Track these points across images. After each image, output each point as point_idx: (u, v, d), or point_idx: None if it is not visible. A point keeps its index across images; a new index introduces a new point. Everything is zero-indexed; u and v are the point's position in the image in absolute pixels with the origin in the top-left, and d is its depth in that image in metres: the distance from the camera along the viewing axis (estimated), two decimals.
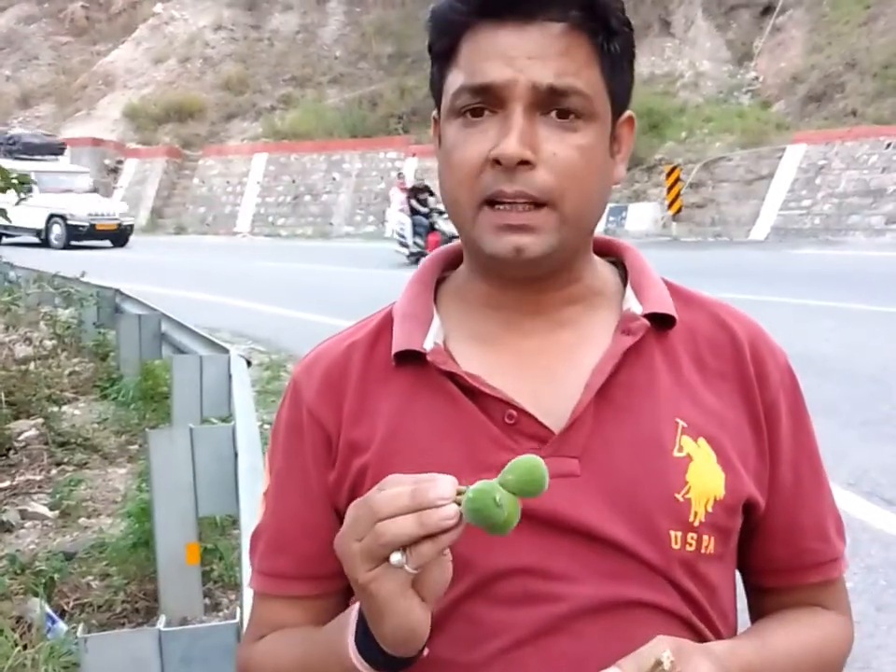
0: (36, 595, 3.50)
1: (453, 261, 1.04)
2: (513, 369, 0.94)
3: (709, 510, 0.90)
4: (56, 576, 3.73)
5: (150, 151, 29.86)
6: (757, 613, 1.03)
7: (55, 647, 3.04)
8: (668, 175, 19.41)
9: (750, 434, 0.95)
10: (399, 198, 18.32)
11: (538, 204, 0.88)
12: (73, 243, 22.26)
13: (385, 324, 0.99)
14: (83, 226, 22.65)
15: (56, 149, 25.43)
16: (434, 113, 0.97)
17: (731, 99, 23.03)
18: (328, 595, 0.98)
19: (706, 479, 0.91)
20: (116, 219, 23.18)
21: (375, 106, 28.22)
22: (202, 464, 3.37)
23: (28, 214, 21.92)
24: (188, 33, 33.60)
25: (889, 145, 17.98)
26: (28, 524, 4.54)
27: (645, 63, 24.29)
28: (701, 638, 0.91)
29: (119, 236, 23.07)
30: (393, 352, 0.96)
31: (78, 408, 6.71)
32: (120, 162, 30.17)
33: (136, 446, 5.74)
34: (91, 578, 3.85)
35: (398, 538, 0.73)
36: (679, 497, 0.90)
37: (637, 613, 0.89)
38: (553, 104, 0.87)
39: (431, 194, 16.68)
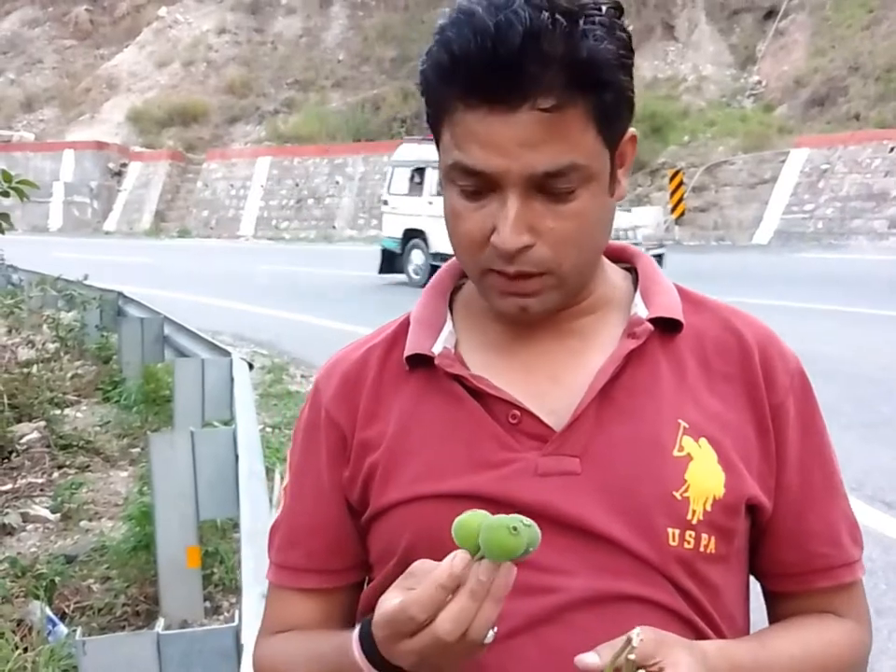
0: (37, 598, 3.50)
1: None
2: (520, 372, 0.97)
3: (708, 508, 0.91)
4: (57, 579, 3.73)
5: (154, 155, 29.91)
6: (774, 619, 1.03)
7: (55, 650, 3.04)
8: (671, 178, 19.40)
9: (755, 437, 0.96)
10: None
11: (538, 273, 0.91)
12: None
13: (402, 329, 1.03)
14: None
15: None
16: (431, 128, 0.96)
17: (734, 103, 23.04)
18: (339, 589, 1.03)
19: (705, 478, 0.92)
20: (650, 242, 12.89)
21: (378, 110, 28.27)
22: (203, 467, 3.38)
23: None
24: (191, 36, 33.68)
25: (892, 148, 17.98)
26: (29, 527, 4.55)
27: (648, 67, 24.30)
28: (702, 637, 0.91)
29: None
30: (404, 355, 1.00)
31: (80, 411, 6.72)
32: (124, 166, 30.23)
33: (138, 449, 5.74)
34: (91, 581, 3.86)
35: (486, 628, 0.77)
36: (677, 495, 0.91)
37: (633, 607, 0.90)
38: (549, 184, 0.88)
39: None
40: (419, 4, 31.12)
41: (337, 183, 26.42)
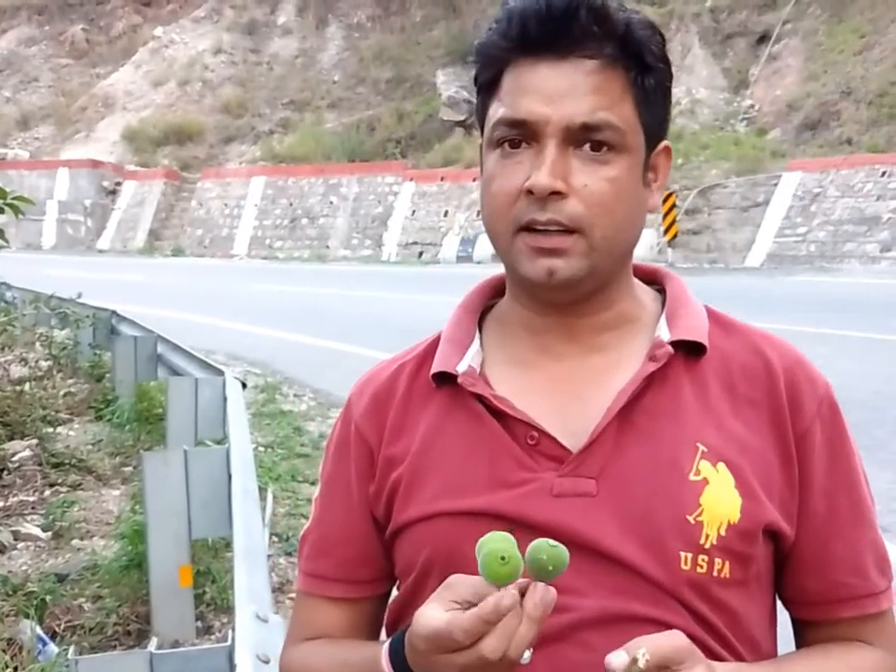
0: (28, 616, 3.48)
1: (500, 290, 1.08)
2: (542, 391, 0.99)
3: (722, 533, 0.92)
4: (48, 597, 3.71)
5: (149, 174, 29.97)
6: (801, 647, 1.02)
7: (46, 669, 3.02)
8: (664, 201, 19.50)
9: (778, 463, 0.96)
10: None
11: (569, 231, 0.92)
12: None
13: (433, 347, 1.06)
14: None
15: None
16: (480, 141, 1.01)
17: (727, 126, 23.20)
18: (366, 599, 1.06)
19: (721, 503, 0.92)
20: None
21: (373, 131, 28.39)
22: (196, 486, 3.37)
23: None
24: (187, 56, 33.84)
25: (884, 173, 18.11)
26: (21, 545, 4.53)
27: None
28: (717, 660, 0.91)
29: None
30: (430, 373, 1.02)
31: (73, 429, 6.70)
32: (119, 184, 30.27)
33: (130, 468, 5.73)
34: (83, 600, 3.84)
35: (523, 647, 0.79)
36: (690, 519, 0.92)
37: (645, 629, 0.90)
38: (585, 138, 0.92)
39: None
40: (415, 26, 31.36)
41: (331, 203, 26.50)
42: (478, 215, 23.23)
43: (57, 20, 36.88)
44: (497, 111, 0.95)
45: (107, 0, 36.79)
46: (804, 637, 1.02)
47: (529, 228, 0.93)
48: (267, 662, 1.67)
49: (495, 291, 1.08)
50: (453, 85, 26.36)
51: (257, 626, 1.86)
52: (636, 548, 0.91)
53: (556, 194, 0.91)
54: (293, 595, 4.10)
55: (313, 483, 5.56)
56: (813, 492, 0.97)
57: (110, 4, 36.75)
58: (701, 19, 25.11)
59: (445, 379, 1.01)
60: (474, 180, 23.82)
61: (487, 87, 0.97)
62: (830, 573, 0.98)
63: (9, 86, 35.57)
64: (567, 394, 0.98)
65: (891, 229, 17.50)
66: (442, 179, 24.47)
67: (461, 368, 1.00)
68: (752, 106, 23.59)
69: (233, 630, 1.95)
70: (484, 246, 22.09)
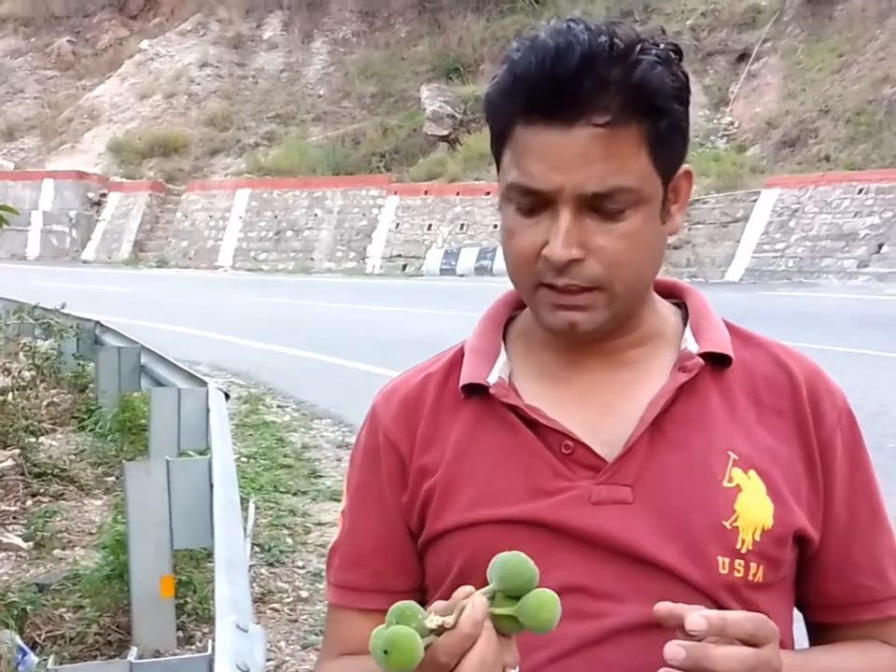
0: (8, 626, 3.47)
1: (523, 302, 1.08)
2: (573, 403, 1.00)
3: (757, 538, 0.94)
4: (29, 607, 3.70)
5: (134, 185, 29.88)
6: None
7: None
8: None
9: (804, 470, 0.99)
10: None
11: (589, 289, 0.94)
12: None
13: (458, 358, 1.06)
14: None
15: None
16: (497, 178, 1.01)
17: (707, 143, 23.38)
18: None
19: (754, 509, 0.95)
20: None
21: (358, 145, 28.44)
22: (178, 496, 3.39)
23: None
24: (173, 69, 33.80)
25: (861, 190, 18.29)
26: (2, 555, 4.53)
27: None
28: None
29: None
30: (460, 384, 1.03)
31: (56, 439, 6.70)
32: (104, 196, 30.16)
33: (113, 478, 5.74)
34: (64, 610, 3.84)
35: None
36: (726, 524, 0.94)
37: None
38: (599, 204, 0.92)
39: None
40: (399, 41, 31.50)
41: (316, 216, 26.51)
42: (462, 228, 23.41)
43: (43, 32, 36.78)
44: (510, 167, 0.94)
45: (94, 13, 36.75)
46: (822, 640, 1.04)
47: (550, 285, 0.94)
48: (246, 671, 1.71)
49: (518, 303, 1.09)
50: (437, 100, 26.47)
51: (237, 636, 1.86)
52: (674, 553, 0.93)
53: (574, 260, 0.92)
54: (274, 605, 4.13)
55: (295, 494, 5.58)
56: (835, 499, 1.00)
57: (96, 17, 36.70)
58: (682, 37, 25.33)
59: (475, 390, 1.01)
60: (458, 194, 23.91)
61: (499, 135, 0.96)
62: (851, 577, 1.01)
63: None
64: (597, 406, 0.99)
65: (868, 245, 17.68)
66: (426, 193, 24.55)
67: (492, 379, 1.00)
68: (732, 123, 23.80)
69: (213, 640, 1.97)
70: (467, 260, 22.16)
